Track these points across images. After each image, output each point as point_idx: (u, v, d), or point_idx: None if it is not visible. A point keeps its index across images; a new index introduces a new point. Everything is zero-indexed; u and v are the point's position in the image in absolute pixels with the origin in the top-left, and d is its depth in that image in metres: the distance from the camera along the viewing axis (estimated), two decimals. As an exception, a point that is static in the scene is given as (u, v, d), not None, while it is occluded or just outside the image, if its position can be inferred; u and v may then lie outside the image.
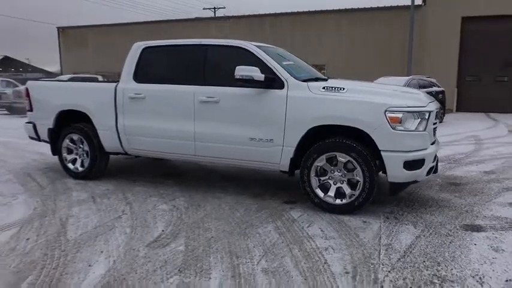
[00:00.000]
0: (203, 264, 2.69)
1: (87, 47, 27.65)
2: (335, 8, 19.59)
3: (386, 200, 4.06)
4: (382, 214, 3.69)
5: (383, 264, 2.70)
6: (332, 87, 3.67)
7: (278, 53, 4.37)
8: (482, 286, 2.40)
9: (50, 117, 5.10)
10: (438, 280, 2.48)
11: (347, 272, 2.59)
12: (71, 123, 5.08)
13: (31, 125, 5.39)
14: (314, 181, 3.73)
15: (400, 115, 3.40)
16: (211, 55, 4.24)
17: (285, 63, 4.08)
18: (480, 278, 2.50)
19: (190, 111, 4.19)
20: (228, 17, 22.33)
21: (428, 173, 3.68)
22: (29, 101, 5.34)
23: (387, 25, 18.20)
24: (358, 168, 3.52)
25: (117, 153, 4.99)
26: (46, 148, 6.86)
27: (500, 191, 4.47)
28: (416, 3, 16.51)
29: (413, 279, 2.49)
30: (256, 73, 3.72)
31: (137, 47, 4.66)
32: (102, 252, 2.89)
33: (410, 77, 12.23)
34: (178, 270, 2.62)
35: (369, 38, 18.36)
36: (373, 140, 3.47)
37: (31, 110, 5.35)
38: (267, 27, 21.03)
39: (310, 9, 20.23)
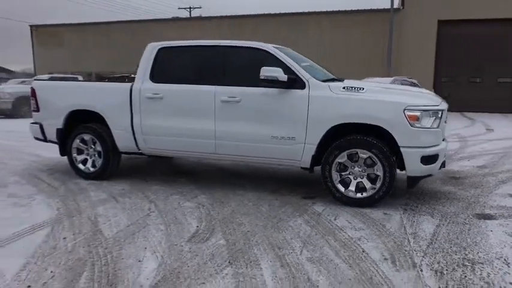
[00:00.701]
0: (250, 256, 2.82)
1: (61, 46, 26.89)
2: (316, 10, 20.01)
3: (398, 193, 4.31)
4: (399, 206, 3.93)
5: (415, 251, 2.92)
6: (352, 87, 3.88)
7: (292, 54, 4.53)
8: (509, 266, 2.66)
9: (59, 117, 5.05)
10: (469, 263, 2.72)
11: (386, 259, 2.79)
12: (80, 124, 5.05)
13: (37, 125, 5.30)
14: (335, 176, 3.92)
15: (418, 113, 3.65)
16: (230, 56, 4.36)
17: (303, 64, 4.25)
18: (505, 259, 2.76)
19: (210, 111, 4.28)
20: (211, 18, 22.32)
21: (440, 167, 3.96)
22: (35, 101, 5.25)
23: (367, 27, 18.78)
24: (379, 163, 3.74)
25: (131, 153, 5.01)
26: (42, 149, 6.86)
27: (497, 184, 4.83)
28: (395, 6, 17.16)
29: (447, 263, 2.72)
30: (280, 74, 3.88)
31: (152, 48, 4.70)
32: (145, 248, 2.96)
33: (393, 78, 12.73)
34: (228, 262, 2.73)
35: (349, 40, 18.91)
36: (392, 136, 3.70)
37: (37, 110, 5.26)
38: (249, 28, 21.18)
39: (293, 11, 20.57)
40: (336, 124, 3.83)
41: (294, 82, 3.98)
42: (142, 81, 4.63)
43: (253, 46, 4.29)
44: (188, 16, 33.54)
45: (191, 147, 4.49)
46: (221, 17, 22.28)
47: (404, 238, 3.15)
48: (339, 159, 3.88)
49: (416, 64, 17.53)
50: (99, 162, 4.97)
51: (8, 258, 2.79)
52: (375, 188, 3.80)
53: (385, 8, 18.01)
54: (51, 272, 2.59)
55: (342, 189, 3.91)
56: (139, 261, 2.75)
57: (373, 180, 3.84)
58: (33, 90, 5.27)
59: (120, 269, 2.63)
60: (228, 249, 2.95)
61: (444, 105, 3.93)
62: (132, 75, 15.94)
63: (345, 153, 3.85)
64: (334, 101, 3.84)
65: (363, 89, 3.87)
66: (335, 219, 3.57)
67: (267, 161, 4.36)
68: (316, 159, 4.02)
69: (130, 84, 4.73)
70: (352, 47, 18.87)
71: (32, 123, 5.41)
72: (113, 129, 4.79)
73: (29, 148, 7.31)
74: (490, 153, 6.97)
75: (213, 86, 4.28)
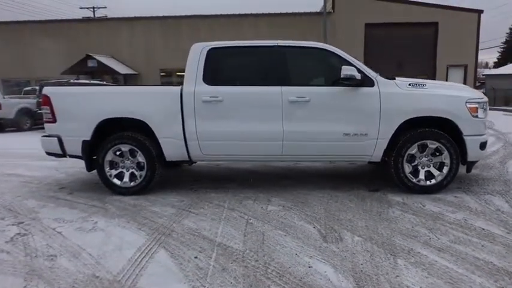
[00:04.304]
0: (401, 246, 2.93)
1: None
2: (253, 12, 20.42)
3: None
4: (457, 190, 4.40)
5: (519, 223, 3.36)
6: (416, 84, 4.23)
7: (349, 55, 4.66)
8: None
9: (86, 127, 4.43)
10: None
11: (508, 232, 3.17)
12: (108, 135, 4.51)
13: (54, 138, 4.56)
14: (407, 167, 4.23)
15: (476, 105, 4.15)
16: (292, 56, 4.35)
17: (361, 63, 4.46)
18: None
19: (278, 112, 4.23)
20: (140, 18, 21.16)
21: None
22: (51, 111, 4.52)
23: (302, 29, 19.79)
24: (446, 152, 4.15)
25: (178, 162, 4.66)
26: (13, 168, 6.01)
27: (501, 164, 5.69)
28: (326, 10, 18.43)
29: (551, 230, 3.21)
30: (356, 72, 4.04)
31: (200, 48, 4.43)
32: (296, 254, 2.86)
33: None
34: (391, 254, 2.81)
35: (288, 41, 19.71)
36: (453, 127, 4.13)
37: (53, 121, 4.54)
38: (184, 30, 20.64)
39: (228, 13, 20.66)
40: (408, 118, 4.13)
41: (364, 80, 4.17)
42: (195, 84, 4.34)
43: (318, 46, 4.37)
44: (123, 17, 30.30)
45: (256, 151, 4.37)
46: (151, 18, 21.27)
47: (497, 215, 3.59)
48: (410, 151, 4.19)
49: (349, 64, 19.04)
50: (140, 174, 4.50)
51: (170, 284, 2.46)
52: (443, 175, 4.20)
53: (318, 11, 19.21)
54: (236, 292, 2.38)
55: (414, 178, 4.23)
56: (309, 267, 2.67)
57: (439, 168, 4.23)
58: (46, 98, 4.53)
59: (302, 277, 2.52)
60: (373, 243, 3.02)
61: (486, 98, 4.52)
62: (72, 81, 14.35)
63: (415, 145, 4.18)
64: (405, 96, 4.13)
65: (425, 85, 4.25)
66: (425, 207, 3.87)
67: (336, 159, 4.48)
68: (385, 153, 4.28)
69: (179, 87, 4.39)
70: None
71: (45, 136, 4.65)
72: (160, 137, 4.39)
73: None
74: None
75: (279, 87, 4.24)
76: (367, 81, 4.19)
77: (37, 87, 14.63)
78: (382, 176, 5.15)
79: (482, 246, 2.93)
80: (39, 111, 13.21)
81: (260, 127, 4.27)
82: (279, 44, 4.39)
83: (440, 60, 18.99)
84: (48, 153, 4.73)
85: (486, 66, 54.63)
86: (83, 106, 4.46)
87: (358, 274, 2.55)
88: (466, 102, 4.13)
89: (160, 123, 4.37)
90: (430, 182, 4.24)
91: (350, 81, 4.07)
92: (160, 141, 4.41)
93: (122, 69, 20.49)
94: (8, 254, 3.02)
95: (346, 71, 3.99)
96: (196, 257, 2.86)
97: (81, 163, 5.71)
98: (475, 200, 4.02)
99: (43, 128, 4.79)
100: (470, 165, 4.37)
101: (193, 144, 4.39)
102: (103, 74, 19.81)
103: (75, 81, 14.32)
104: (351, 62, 4.24)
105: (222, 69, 4.45)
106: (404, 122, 4.15)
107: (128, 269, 2.69)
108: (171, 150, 4.44)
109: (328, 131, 4.23)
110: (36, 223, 3.68)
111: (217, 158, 4.57)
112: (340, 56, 4.28)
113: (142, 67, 21.10)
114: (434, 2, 19.22)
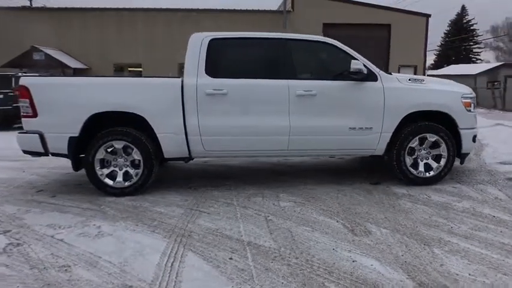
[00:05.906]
0: (430, 236, 2.99)
1: None
2: (212, 8, 20.06)
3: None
4: (452, 181, 4.60)
5: (520, 210, 3.60)
6: (416, 79, 4.36)
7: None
8: None
9: (73, 123, 4.01)
10: None
11: (516, 219, 3.37)
12: (101, 130, 4.13)
13: (35, 135, 4.06)
14: (408, 160, 4.35)
15: (469, 100, 4.39)
16: (299, 50, 4.28)
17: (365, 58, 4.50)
18: None
19: (284, 106, 4.13)
20: (94, 9, 19.85)
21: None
22: (31, 104, 4.02)
23: (262, 27, 19.79)
24: (444, 145, 4.33)
25: (177, 159, 4.38)
26: None
27: (476, 156, 6.07)
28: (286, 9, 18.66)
29: (550, 215, 3.48)
30: (362, 67, 4.07)
31: (201, 39, 4.20)
32: (334, 249, 2.80)
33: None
34: (424, 244, 2.84)
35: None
36: (454, 121, 4.32)
37: (34, 115, 4.04)
38: (138, 23, 19.71)
39: (187, 7, 20.10)
40: (410, 112, 4.24)
41: (369, 75, 4.22)
42: (197, 76, 4.10)
43: (324, 41, 4.34)
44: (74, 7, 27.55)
45: (262, 146, 4.23)
46: (105, 9, 20.04)
47: (498, 202, 3.81)
48: (411, 144, 4.31)
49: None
50: (135, 173, 4.16)
51: (217, 291, 2.27)
52: (440, 167, 4.38)
53: (278, 10, 19.34)
54: (292, 292, 2.25)
55: (414, 171, 4.36)
56: (354, 261, 2.61)
57: (435, 160, 4.41)
58: (25, 89, 4.01)
59: (352, 272, 2.46)
60: (402, 235, 3.04)
61: (474, 94, 4.77)
62: (20, 74, 13.02)
63: (417, 138, 4.31)
64: (407, 91, 4.24)
65: (424, 80, 4.40)
66: (430, 197, 4.00)
67: (341, 153, 4.50)
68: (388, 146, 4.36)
69: (179, 79, 4.12)
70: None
71: (23, 132, 4.13)
72: (159, 133, 4.09)
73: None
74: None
75: (286, 80, 4.14)
76: (371, 76, 4.25)
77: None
78: (376, 168, 5.27)
79: (501, 232, 3.09)
80: (-20, 108, 11.91)
81: (267, 122, 4.14)
82: (285, 37, 4.29)
83: (393, 60, 20.00)
84: (26, 152, 4.21)
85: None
86: (70, 99, 4.02)
87: (404, 265, 2.54)
88: (462, 97, 4.34)
89: (159, 117, 4.07)
90: (429, 173, 4.40)
91: (358, 76, 4.10)
92: (158, 137, 4.11)
93: (72, 63, 19.08)
94: (7, 267, 2.61)
95: (355, 65, 4.01)
96: (231, 258, 2.68)
97: (53, 163, 5.25)
98: (472, 190, 4.24)
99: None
100: (463, 157, 4.60)
101: (195, 140, 4.15)
102: (51, 68, 18.28)
103: (23, 75, 13.02)
104: (357, 57, 4.27)
105: (225, 61, 4.25)
106: (406, 115, 4.26)
107: (161, 276, 2.45)
108: (171, 146, 4.16)
109: (335, 125, 4.21)
110: (27, 231, 3.24)
111: (220, 154, 4.35)
112: (345, 51, 4.29)
113: (94, 61, 19.76)
114: (388, 5, 20.25)
